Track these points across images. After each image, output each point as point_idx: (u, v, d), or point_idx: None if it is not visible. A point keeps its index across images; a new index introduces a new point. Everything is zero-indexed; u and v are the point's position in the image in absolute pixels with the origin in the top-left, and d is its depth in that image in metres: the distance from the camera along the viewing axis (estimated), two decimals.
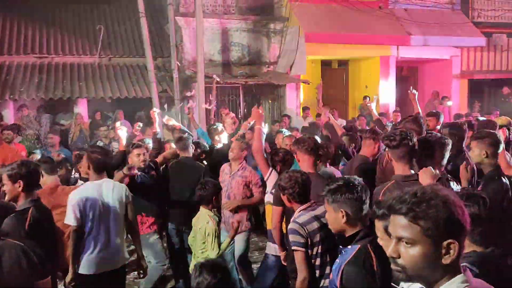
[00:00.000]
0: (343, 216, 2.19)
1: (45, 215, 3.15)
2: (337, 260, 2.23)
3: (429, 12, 11.71)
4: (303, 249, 2.69)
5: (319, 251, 2.74)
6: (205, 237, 3.50)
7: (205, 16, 9.60)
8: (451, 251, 1.24)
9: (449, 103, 11.65)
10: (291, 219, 2.87)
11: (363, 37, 10.66)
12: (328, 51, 11.12)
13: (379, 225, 1.86)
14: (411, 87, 6.61)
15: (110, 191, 3.56)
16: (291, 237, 2.74)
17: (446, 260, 1.24)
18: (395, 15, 11.34)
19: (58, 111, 10.31)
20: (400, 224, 1.27)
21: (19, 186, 3.02)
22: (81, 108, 9.99)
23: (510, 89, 12.40)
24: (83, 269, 3.41)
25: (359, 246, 2.14)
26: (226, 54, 10.73)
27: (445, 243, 1.23)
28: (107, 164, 3.70)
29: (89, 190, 3.52)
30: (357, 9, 10.84)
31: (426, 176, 2.63)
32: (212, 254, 3.42)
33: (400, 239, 1.28)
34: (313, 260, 2.74)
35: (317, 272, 2.74)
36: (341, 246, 2.26)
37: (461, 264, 1.79)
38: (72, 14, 11.67)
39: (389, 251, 1.31)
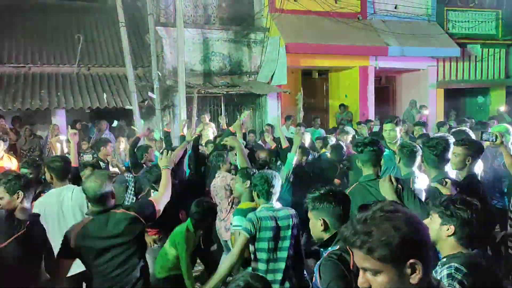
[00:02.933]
0: (321, 224, 2.26)
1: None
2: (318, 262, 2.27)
3: (406, 23, 12.01)
4: (248, 236, 2.93)
5: (270, 246, 2.98)
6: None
7: (186, 26, 9.61)
8: (417, 270, 1.23)
9: (426, 112, 11.90)
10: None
11: (342, 48, 10.84)
12: (308, 61, 11.26)
13: None
14: None
15: (70, 198, 3.59)
16: (245, 223, 2.99)
17: (414, 279, 1.23)
18: (373, 27, 11.58)
19: (36, 122, 10.11)
20: (359, 256, 1.27)
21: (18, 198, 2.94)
22: (59, 119, 9.81)
23: (484, 98, 12.80)
24: None
25: (338, 246, 2.18)
26: (207, 64, 10.75)
27: (408, 263, 1.23)
28: (67, 170, 3.75)
29: (50, 197, 3.60)
30: (336, 20, 11.04)
31: (384, 189, 2.73)
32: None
33: (365, 270, 1.28)
34: (259, 253, 2.99)
35: (264, 265, 2.98)
36: (321, 249, 2.32)
37: (452, 264, 1.87)
38: (50, 23, 11.48)
39: (358, 282, 1.31)
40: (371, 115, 11.64)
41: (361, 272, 1.30)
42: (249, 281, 1.86)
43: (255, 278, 1.91)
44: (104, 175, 2.90)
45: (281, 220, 3.04)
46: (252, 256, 3.04)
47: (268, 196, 3.12)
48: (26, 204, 2.99)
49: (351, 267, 2.00)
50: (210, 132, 8.17)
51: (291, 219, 3.06)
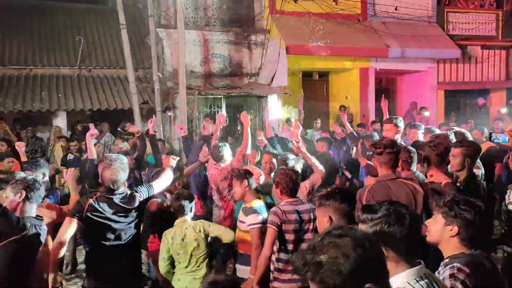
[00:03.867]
0: (327, 221, 2.33)
1: None
2: None
3: (406, 25, 12.02)
4: (276, 228, 3.13)
5: (292, 238, 3.17)
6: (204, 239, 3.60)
7: (186, 27, 9.62)
8: None
9: (426, 113, 11.91)
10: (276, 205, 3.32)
11: (342, 49, 10.86)
12: (308, 63, 11.27)
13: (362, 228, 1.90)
14: (383, 96, 6.81)
15: None
16: (270, 217, 3.19)
17: None
18: (373, 28, 11.59)
19: (36, 124, 10.12)
20: (313, 286, 1.23)
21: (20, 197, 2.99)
22: (60, 121, 9.83)
23: (484, 100, 12.80)
24: None
25: None
26: (208, 66, 10.76)
27: (365, 287, 1.19)
28: None
29: None
30: (336, 21, 11.05)
31: None
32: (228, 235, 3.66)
33: None
34: (284, 245, 3.19)
35: (288, 256, 3.17)
36: None
37: (454, 264, 1.88)
38: (51, 25, 11.52)
39: None
40: (372, 116, 11.64)
41: None
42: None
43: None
44: None
45: (303, 213, 3.21)
46: (276, 247, 3.22)
47: (291, 192, 3.30)
48: (29, 205, 3.01)
49: None
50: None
51: (311, 213, 3.20)
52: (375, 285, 1.19)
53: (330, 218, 2.34)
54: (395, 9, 11.97)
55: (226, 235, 3.60)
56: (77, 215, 3.14)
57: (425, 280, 1.64)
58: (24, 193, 2.96)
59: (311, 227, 3.19)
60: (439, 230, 2.06)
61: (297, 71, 11.93)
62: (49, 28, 11.48)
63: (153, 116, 6.32)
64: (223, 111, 10.59)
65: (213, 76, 10.78)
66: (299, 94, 11.86)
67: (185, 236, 3.50)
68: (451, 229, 2.03)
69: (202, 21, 10.75)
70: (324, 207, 2.38)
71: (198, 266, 3.53)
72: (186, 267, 3.51)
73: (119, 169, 3.21)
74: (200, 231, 3.54)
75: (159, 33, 10.06)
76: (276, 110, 11.06)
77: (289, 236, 3.17)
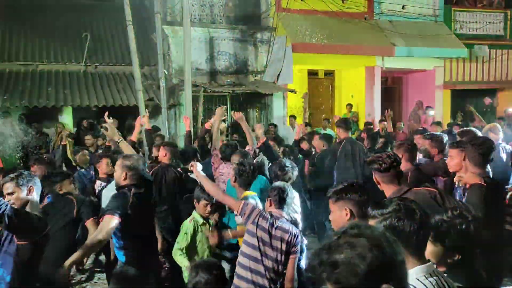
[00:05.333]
0: (346, 213, 2.36)
1: None
2: None
3: (413, 23, 11.97)
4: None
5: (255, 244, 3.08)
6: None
7: (192, 25, 9.62)
8: None
9: (432, 112, 11.86)
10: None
11: (348, 48, 10.82)
12: (314, 61, 11.25)
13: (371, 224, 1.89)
14: (388, 109, 6.80)
15: None
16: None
17: None
18: (380, 27, 11.54)
19: (42, 119, 10.16)
20: (329, 286, 1.21)
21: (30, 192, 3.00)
22: (66, 117, 9.87)
23: (491, 100, 12.71)
24: None
25: None
26: (213, 63, 10.77)
27: (382, 287, 1.17)
28: None
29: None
30: (343, 20, 11.02)
31: None
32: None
33: None
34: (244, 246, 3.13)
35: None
36: None
37: None
38: (58, 21, 11.55)
39: None
40: (377, 115, 11.60)
41: None
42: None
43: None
44: None
45: (277, 229, 3.04)
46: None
47: (279, 204, 3.20)
48: (36, 198, 3.03)
49: None
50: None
51: (288, 234, 3.05)
52: (392, 285, 1.17)
53: (351, 211, 2.38)
54: (402, 7, 11.91)
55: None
56: (118, 212, 3.04)
57: (434, 278, 1.63)
58: (32, 188, 2.98)
59: (278, 246, 3.02)
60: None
61: (303, 69, 11.91)
62: (56, 24, 11.51)
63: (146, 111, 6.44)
64: (228, 109, 10.60)
65: (218, 73, 10.79)
66: (304, 92, 11.85)
67: (196, 229, 3.63)
68: None
69: (208, 18, 10.75)
70: (343, 201, 2.41)
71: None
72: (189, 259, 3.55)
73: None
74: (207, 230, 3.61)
75: (165, 30, 10.07)
76: (282, 107, 11.05)
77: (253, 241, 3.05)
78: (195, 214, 3.74)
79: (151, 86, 10.34)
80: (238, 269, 3.09)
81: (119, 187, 3.30)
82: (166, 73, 9.87)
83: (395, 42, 11.31)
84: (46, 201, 3.71)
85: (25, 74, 10.08)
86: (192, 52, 9.56)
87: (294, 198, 3.51)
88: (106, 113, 4.96)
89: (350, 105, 11.78)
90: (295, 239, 3.06)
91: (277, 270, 3.02)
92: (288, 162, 4.12)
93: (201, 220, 3.70)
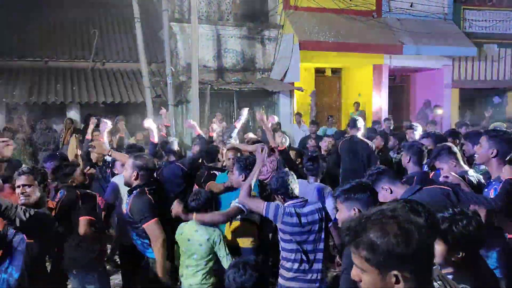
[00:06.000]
0: (355, 214, 2.33)
1: None
2: None
3: (422, 22, 11.86)
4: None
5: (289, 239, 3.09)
6: (211, 249, 3.38)
7: (200, 22, 9.63)
8: (400, 283, 1.20)
9: (440, 111, 11.77)
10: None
11: (356, 46, 10.76)
12: (322, 59, 11.20)
13: None
14: None
15: None
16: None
17: None
18: (388, 24, 11.47)
19: (51, 115, 10.24)
20: (351, 251, 1.28)
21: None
22: (74, 113, 9.94)
23: (500, 99, 12.59)
24: None
25: None
26: (220, 61, 10.77)
27: (391, 273, 1.21)
28: None
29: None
30: (351, 17, 10.96)
31: None
32: (226, 263, 3.32)
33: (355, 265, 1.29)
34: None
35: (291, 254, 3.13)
36: None
37: None
38: (66, 19, 11.63)
39: (351, 274, 1.31)
40: (385, 114, 11.54)
41: (354, 266, 1.30)
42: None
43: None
44: None
45: (305, 216, 3.09)
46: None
47: (290, 194, 3.17)
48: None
49: None
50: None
51: (316, 214, 3.10)
52: (404, 276, 1.19)
53: (359, 211, 2.36)
54: (411, 5, 11.81)
55: (225, 262, 3.35)
56: (153, 214, 3.19)
57: (439, 282, 1.61)
58: (46, 185, 3.07)
59: (314, 228, 3.08)
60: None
61: (309, 67, 11.88)
62: (65, 21, 11.59)
63: (162, 108, 6.36)
64: (235, 106, 10.62)
65: (225, 71, 10.80)
66: (312, 90, 11.82)
67: (191, 237, 3.37)
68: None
69: (216, 15, 10.76)
70: (351, 201, 2.39)
71: (195, 273, 3.35)
72: (187, 267, 3.41)
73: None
74: (208, 240, 3.35)
75: (172, 27, 10.09)
76: (288, 105, 11.03)
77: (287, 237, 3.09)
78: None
79: (158, 83, 10.38)
80: (282, 262, 3.14)
81: (131, 188, 3.32)
82: (173, 70, 9.90)
83: (403, 40, 11.23)
84: (58, 196, 3.73)
85: (34, 70, 10.17)
86: (199, 49, 9.57)
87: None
88: (92, 119, 5.06)
89: (357, 104, 11.73)
90: (322, 212, 3.10)
91: (320, 251, 3.10)
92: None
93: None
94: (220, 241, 3.38)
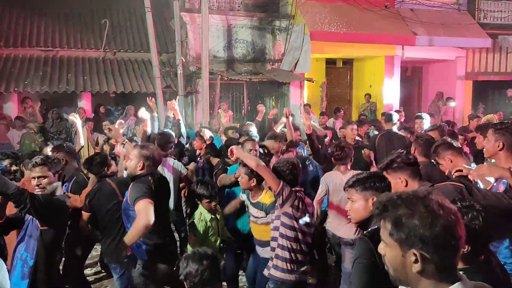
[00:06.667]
0: (373, 203, 2.24)
1: None
2: None
3: (435, 12, 11.67)
4: None
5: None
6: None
7: (210, 12, 9.59)
8: (418, 262, 1.22)
9: (453, 104, 11.62)
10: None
11: (368, 36, 10.63)
12: (333, 50, 11.10)
13: None
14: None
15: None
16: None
17: (414, 268, 1.23)
18: (401, 15, 11.30)
19: (62, 105, 10.32)
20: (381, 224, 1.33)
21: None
22: (85, 102, 10.00)
23: None
24: None
25: (376, 227, 2.16)
26: (231, 51, 10.73)
27: (411, 251, 1.23)
28: None
29: None
30: (363, 8, 10.81)
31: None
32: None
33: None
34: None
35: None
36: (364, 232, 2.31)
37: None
38: (77, 8, 11.66)
39: (379, 247, 1.35)
40: (396, 106, 11.43)
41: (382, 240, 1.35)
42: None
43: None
44: None
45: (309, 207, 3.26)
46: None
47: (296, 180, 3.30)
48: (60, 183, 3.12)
49: None
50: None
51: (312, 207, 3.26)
52: (422, 256, 1.21)
53: (406, 181, 2.41)
54: None
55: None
56: (148, 195, 3.06)
57: None
58: (61, 173, 3.09)
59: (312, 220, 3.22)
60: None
61: (321, 58, 11.78)
62: (76, 10, 11.63)
63: (175, 99, 6.35)
64: (245, 97, 10.60)
65: (235, 61, 10.75)
66: (322, 81, 11.73)
67: (207, 227, 3.62)
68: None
69: (227, 5, 10.69)
70: (369, 190, 2.31)
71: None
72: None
73: None
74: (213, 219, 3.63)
75: (183, 17, 10.06)
76: (299, 96, 10.98)
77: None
78: (202, 211, 3.69)
79: (169, 73, 10.38)
80: (277, 251, 3.17)
81: (133, 177, 3.25)
82: (184, 60, 9.89)
83: (416, 31, 11.07)
84: (64, 187, 3.79)
85: (45, 59, 10.23)
86: (209, 40, 9.54)
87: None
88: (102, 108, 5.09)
89: (368, 95, 11.63)
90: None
91: (311, 242, 3.21)
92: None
93: (209, 216, 3.67)
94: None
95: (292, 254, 3.13)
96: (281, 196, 3.11)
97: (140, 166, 3.24)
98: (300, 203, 3.15)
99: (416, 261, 1.23)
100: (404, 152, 2.79)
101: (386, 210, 1.28)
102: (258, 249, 3.66)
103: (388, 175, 2.59)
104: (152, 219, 2.91)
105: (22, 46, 10.24)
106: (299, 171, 3.29)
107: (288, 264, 3.14)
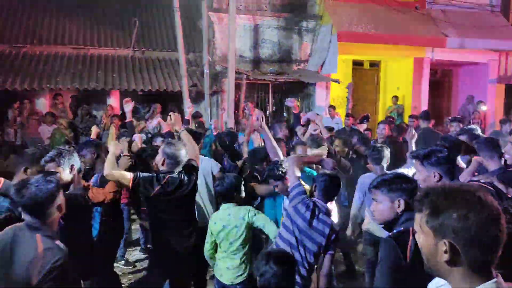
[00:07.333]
0: (399, 205, 2.21)
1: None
2: None
3: (467, 13, 11.38)
4: None
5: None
6: (248, 228, 3.36)
7: (238, 12, 9.63)
8: (448, 253, 1.23)
9: (484, 107, 11.29)
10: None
11: (397, 38, 10.45)
12: (360, 51, 10.97)
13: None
14: None
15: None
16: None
17: (444, 258, 1.24)
18: (431, 16, 11.06)
19: (91, 102, 10.57)
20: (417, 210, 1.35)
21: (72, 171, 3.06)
22: (113, 100, 10.21)
23: None
24: None
25: (401, 228, 2.12)
26: (257, 51, 10.75)
27: (443, 241, 1.23)
28: None
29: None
30: (392, 9, 10.65)
31: None
32: (270, 228, 3.36)
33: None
34: None
35: None
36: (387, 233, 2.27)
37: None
38: (108, 8, 11.93)
39: (416, 236, 1.37)
40: (424, 109, 11.19)
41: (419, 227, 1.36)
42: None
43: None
44: None
45: (319, 222, 3.00)
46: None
47: (324, 195, 3.10)
48: (78, 175, 3.13)
49: (408, 248, 1.94)
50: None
51: (329, 229, 2.99)
52: (453, 248, 1.21)
53: (406, 202, 2.26)
54: None
55: (270, 228, 3.35)
56: (136, 174, 3.23)
57: None
58: (74, 167, 3.05)
59: (318, 239, 2.98)
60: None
61: (348, 59, 11.66)
62: (107, 10, 11.90)
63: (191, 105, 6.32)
64: (270, 97, 10.59)
65: (261, 61, 10.77)
66: (349, 82, 11.61)
67: (226, 222, 3.36)
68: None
69: (254, 5, 10.72)
70: (396, 192, 2.25)
71: (235, 255, 3.35)
72: (225, 252, 3.40)
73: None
74: (243, 219, 3.35)
75: (210, 17, 10.14)
76: (324, 97, 10.90)
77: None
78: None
79: (195, 73, 10.49)
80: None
81: (155, 172, 3.36)
82: (210, 59, 9.97)
83: (447, 32, 10.82)
84: (93, 179, 3.82)
85: (77, 57, 10.50)
86: (236, 40, 9.58)
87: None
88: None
89: (396, 97, 11.42)
90: (335, 235, 2.99)
91: (312, 263, 2.99)
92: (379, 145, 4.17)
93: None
94: (256, 213, 3.38)
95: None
96: (290, 193, 3.09)
97: (161, 161, 3.35)
98: (304, 208, 2.98)
99: (446, 251, 1.23)
100: (445, 147, 2.72)
101: (427, 196, 1.30)
102: None
103: (422, 167, 2.54)
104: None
105: (54, 44, 10.55)
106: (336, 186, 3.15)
107: None
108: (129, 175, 3.16)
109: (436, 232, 1.25)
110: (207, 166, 4.31)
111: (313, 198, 3.08)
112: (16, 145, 8.63)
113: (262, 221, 3.36)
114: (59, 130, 8.23)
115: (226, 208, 3.42)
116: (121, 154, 3.67)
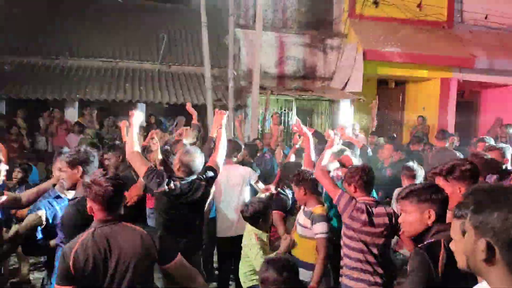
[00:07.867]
0: (429, 216, 2.15)
1: None
2: None
3: (496, 34, 11.20)
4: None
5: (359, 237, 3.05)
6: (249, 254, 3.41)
7: (264, 29, 9.74)
8: (485, 251, 1.20)
9: None
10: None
11: (423, 57, 10.36)
12: (386, 70, 10.89)
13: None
14: None
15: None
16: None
17: (481, 256, 1.21)
18: (458, 36, 10.93)
19: (118, 113, 10.79)
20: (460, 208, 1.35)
21: (78, 172, 2.94)
22: (139, 112, 10.37)
23: None
24: None
25: (433, 240, 2.07)
26: (282, 67, 10.81)
27: (483, 239, 1.21)
28: None
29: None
30: (419, 28, 10.58)
31: None
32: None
33: None
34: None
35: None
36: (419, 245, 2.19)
37: None
38: (137, 23, 12.27)
39: (451, 232, 1.39)
40: (451, 130, 10.96)
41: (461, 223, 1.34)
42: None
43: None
44: None
45: (377, 217, 3.03)
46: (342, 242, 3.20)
47: (365, 188, 3.17)
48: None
49: (440, 260, 1.90)
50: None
51: (386, 217, 3.01)
52: (492, 248, 1.19)
53: (436, 213, 2.18)
54: (485, 17, 11.19)
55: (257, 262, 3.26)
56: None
57: None
58: (80, 168, 2.94)
59: (382, 231, 3.00)
60: None
61: (372, 77, 11.59)
62: (135, 25, 12.24)
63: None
64: (294, 113, 10.59)
65: (286, 77, 10.82)
66: (373, 101, 11.51)
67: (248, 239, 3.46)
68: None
69: (280, 22, 10.84)
70: (425, 202, 2.18)
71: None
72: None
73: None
74: (250, 239, 3.39)
75: (237, 33, 10.29)
76: (348, 115, 10.83)
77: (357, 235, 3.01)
78: (256, 231, 3.47)
79: (220, 87, 10.61)
80: (345, 260, 3.08)
81: (169, 176, 3.41)
82: (235, 74, 10.08)
83: (475, 53, 10.65)
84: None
85: (105, 70, 10.80)
86: (261, 56, 9.67)
87: None
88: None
89: (421, 118, 11.24)
90: (392, 218, 3.01)
91: (388, 258, 3.06)
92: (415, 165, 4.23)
93: (265, 236, 3.50)
94: (253, 245, 3.34)
95: (358, 263, 3.02)
96: (339, 206, 3.07)
97: (176, 167, 3.43)
98: (359, 213, 2.98)
99: (483, 250, 1.21)
100: (467, 161, 2.62)
101: (473, 194, 1.29)
102: (301, 272, 3.20)
103: (446, 182, 2.44)
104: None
105: (85, 57, 10.89)
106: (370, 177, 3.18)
107: (356, 273, 3.03)
108: (146, 165, 3.30)
109: (477, 230, 1.23)
110: (245, 175, 4.45)
111: (357, 198, 3.11)
112: (46, 153, 8.88)
113: (252, 255, 3.36)
114: (86, 140, 8.42)
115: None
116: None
